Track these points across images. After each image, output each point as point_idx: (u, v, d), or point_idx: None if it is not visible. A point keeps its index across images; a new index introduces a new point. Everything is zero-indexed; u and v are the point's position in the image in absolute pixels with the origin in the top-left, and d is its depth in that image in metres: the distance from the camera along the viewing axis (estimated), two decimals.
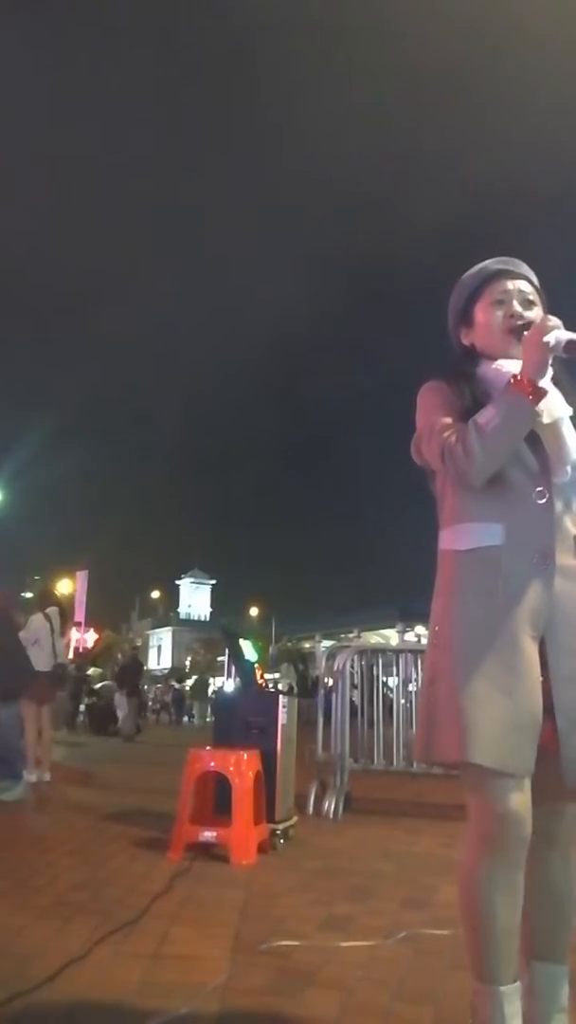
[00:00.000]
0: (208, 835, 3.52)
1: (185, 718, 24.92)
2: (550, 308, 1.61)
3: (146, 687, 26.25)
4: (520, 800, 1.37)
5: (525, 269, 1.67)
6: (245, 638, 5.30)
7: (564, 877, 1.48)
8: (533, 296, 1.64)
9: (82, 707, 15.75)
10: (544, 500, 1.49)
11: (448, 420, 1.53)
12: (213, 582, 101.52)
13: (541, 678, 1.41)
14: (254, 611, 60.75)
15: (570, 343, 1.43)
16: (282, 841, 3.85)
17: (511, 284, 1.63)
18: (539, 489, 1.49)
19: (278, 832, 3.83)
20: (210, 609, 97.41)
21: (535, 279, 1.67)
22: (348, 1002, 1.86)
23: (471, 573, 1.49)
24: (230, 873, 3.27)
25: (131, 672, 14.84)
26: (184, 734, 16.49)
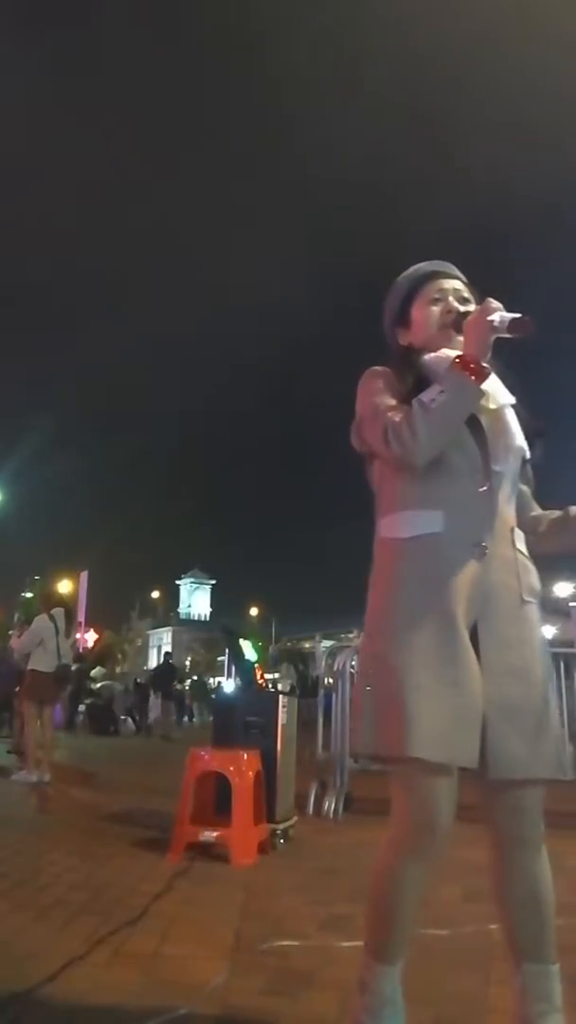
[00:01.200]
0: (208, 835, 3.51)
1: (185, 718, 24.99)
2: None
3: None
4: (450, 799, 1.40)
5: (457, 271, 1.71)
6: (245, 638, 5.30)
7: (542, 877, 1.47)
8: (467, 294, 1.66)
9: (81, 707, 15.75)
10: (484, 488, 1.49)
11: (392, 402, 1.53)
12: (213, 582, 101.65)
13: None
14: (254, 611, 60.78)
15: (514, 322, 1.45)
16: (282, 841, 3.85)
17: (446, 283, 1.66)
18: (481, 477, 1.50)
19: (278, 832, 3.83)
20: (210, 609, 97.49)
21: (464, 278, 1.70)
22: (348, 1002, 1.85)
23: (412, 561, 1.48)
24: (230, 873, 3.27)
25: (164, 676, 15.72)
26: (184, 734, 16.52)
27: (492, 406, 1.54)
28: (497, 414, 1.56)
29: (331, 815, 4.81)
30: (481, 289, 1.63)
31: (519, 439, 1.57)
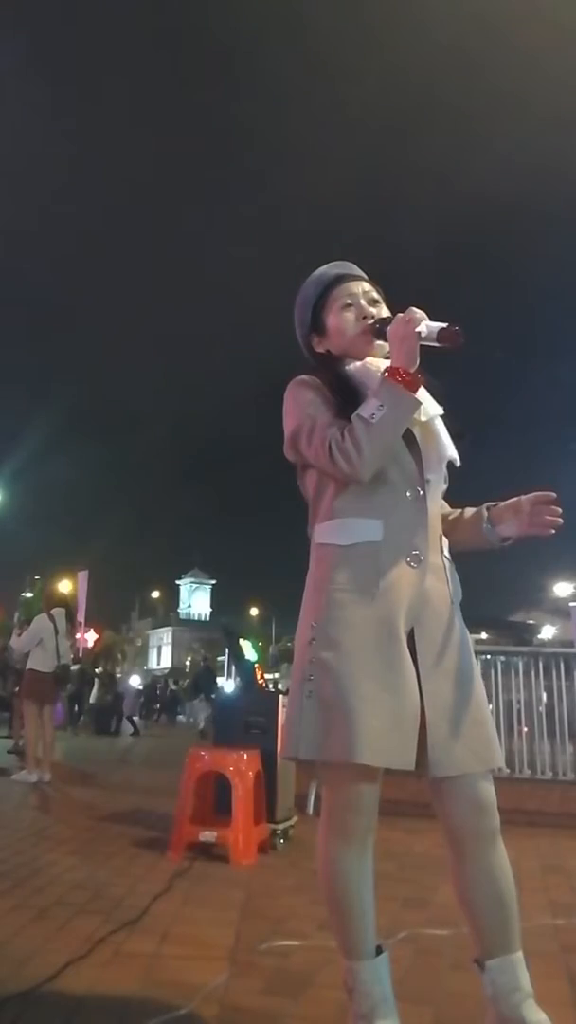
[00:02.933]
0: (208, 835, 3.51)
1: (180, 717, 25.29)
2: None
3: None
4: (375, 792, 1.47)
5: (360, 271, 1.71)
6: (245, 638, 5.30)
7: (502, 870, 1.48)
8: (376, 294, 1.67)
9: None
10: (418, 498, 1.52)
11: (328, 416, 1.53)
12: (213, 582, 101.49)
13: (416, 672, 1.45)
14: (254, 611, 60.78)
15: (442, 331, 1.45)
16: (282, 841, 3.85)
17: (355, 287, 1.66)
18: (414, 487, 1.53)
19: (278, 832, 3.83)
20: (210, 609, 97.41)
21: (367, 278, 1.70)
22: (348, 1003, 1.86)
23: (351, 569, 1.50)
24: (230, 873, 3.27)
25: (206, 680, 16.96)
26: (182, 733, 16.60)
27: (423, 418, 1.56)
28: (427, 425, 1.58)
29: None
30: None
31: (450, 448, 1.60)
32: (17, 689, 8.29)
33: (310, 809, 4.94)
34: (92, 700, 15.84)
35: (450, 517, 1.69)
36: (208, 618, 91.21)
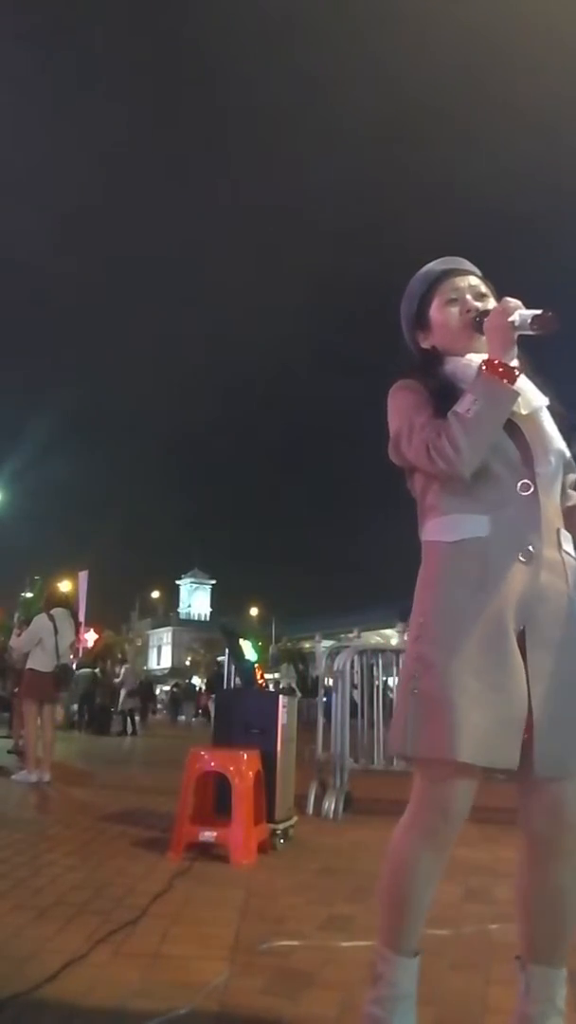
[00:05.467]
0: (208, 835, 3.51)
1: (181, 716, 25.63)
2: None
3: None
4: (469, 797, 1.43)
5: (469, 265, 1.69)
6: (245, 638, 5.30)
7: (571, 885, 1.44)
8: (484, 289, 1.65)
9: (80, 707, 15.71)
10: (529, 492, 1.48)
11: (426, 417, 1.52)
12: (213, 582, 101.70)
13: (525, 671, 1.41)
14: (254, 611, 60.76)
15: (535, 318, 1.43)
16: (282, 841, 3.85)
17: (461, 281, 1.64)
18: (523, 481, 1.49)
19: (278, 832, 3.83)
20: (210, 609, 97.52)
21: (479, 272, 1.68)
22: (348, 1002, 1.85)
23: (458, 565, 1.47)
24: (230, 873, 3.27)
25: (218, 680, 16.82)
26: (181, 733, 16.60)
27: (525, 411, 1.53)
28: (532, 418, 1.54)
29: (331, 815, 4.81)
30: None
31: (558, 441, 1.56)
32: (17, 689, 8.28)
33: (310, 809, 4.94)
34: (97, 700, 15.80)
35: None
36: (208, 618, 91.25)
